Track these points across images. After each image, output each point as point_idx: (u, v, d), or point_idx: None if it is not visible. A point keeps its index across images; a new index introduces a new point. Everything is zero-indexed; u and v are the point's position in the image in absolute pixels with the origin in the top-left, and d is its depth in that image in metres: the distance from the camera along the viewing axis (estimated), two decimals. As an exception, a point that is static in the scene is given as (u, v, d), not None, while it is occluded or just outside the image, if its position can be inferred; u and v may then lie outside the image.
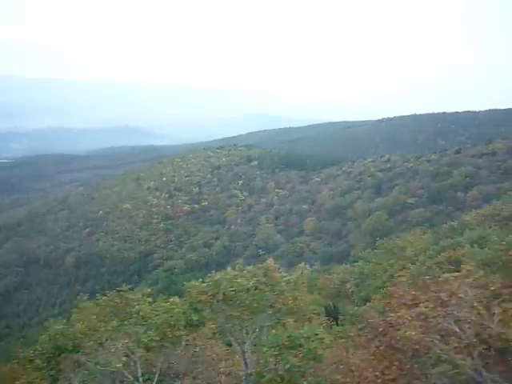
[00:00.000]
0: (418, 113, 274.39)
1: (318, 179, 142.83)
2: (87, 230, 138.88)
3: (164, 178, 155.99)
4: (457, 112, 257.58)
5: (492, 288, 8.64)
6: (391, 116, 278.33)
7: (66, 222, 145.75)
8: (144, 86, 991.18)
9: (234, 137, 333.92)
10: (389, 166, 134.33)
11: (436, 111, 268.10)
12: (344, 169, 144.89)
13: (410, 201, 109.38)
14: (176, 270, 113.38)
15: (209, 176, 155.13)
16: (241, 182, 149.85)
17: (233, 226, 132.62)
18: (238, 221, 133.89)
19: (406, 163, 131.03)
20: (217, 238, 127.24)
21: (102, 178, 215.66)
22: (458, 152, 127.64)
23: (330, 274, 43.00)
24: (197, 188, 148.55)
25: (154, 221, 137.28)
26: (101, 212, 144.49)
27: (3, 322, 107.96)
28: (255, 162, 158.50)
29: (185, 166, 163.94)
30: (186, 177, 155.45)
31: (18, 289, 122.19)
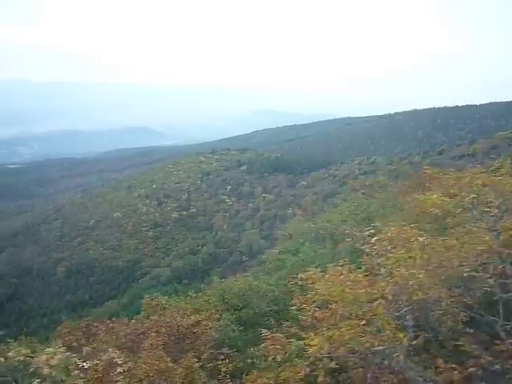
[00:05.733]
0: (418, 108, 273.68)
1: (305, 183, 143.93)
2: (78, 239, 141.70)
3: (154, 186, 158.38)
4: (457, 106, 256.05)
5: None
6: (392, 112, 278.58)
7: (58, 231, 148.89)
8: (151, 87, 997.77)
9: (236, 136, 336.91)
10: (373, 168, 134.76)
11: (437, 106, 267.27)
12: (331, 171, 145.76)
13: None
14: (162, 277, 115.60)
15: (198, 182, 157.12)
16: (229, 187, 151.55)
17: (219, 232, 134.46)
18: (225, 227, 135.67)
19: (389, 165, 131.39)
20: (203, 245, 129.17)
21: (102, 183, 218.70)
22: (440, 153, 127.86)
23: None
24: (186, 195, 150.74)
25: (143, 229, 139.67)
26: (92, 221, 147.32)
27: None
28: (244, 167, 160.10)
29: (175, 172, 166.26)
30: (176, 183, 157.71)
31: (10, 300, 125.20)
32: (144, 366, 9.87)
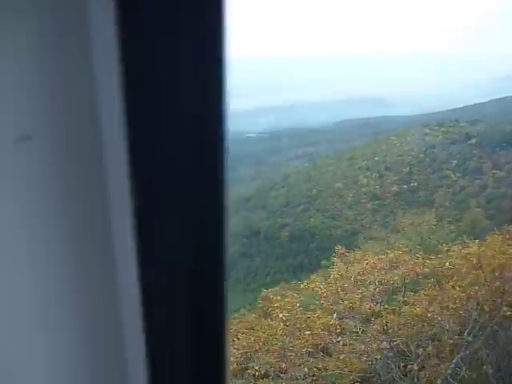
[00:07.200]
0: None
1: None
2: (302, 207, 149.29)
3: (376, 158, 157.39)
4: None
5: None
6: None
7: (284, 198, 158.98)
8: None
9: (470, 106, 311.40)
10: None
11: None
12: None
13: None
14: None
15: (421, 156, 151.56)
16: (455, 161, 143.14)
17: (440, 209, 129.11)
18: (447, 203, 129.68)
19: None
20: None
21: (328, 153, 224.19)
22: None
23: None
24: (407, 168, 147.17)
25: (362, 200, 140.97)
26: (315, 190, 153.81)
27: (228, 285, 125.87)
28: (473, 140, 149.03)
29: (398, 144, 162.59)
30: (398, 156, 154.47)
31: (241, 257, 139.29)
32: None
